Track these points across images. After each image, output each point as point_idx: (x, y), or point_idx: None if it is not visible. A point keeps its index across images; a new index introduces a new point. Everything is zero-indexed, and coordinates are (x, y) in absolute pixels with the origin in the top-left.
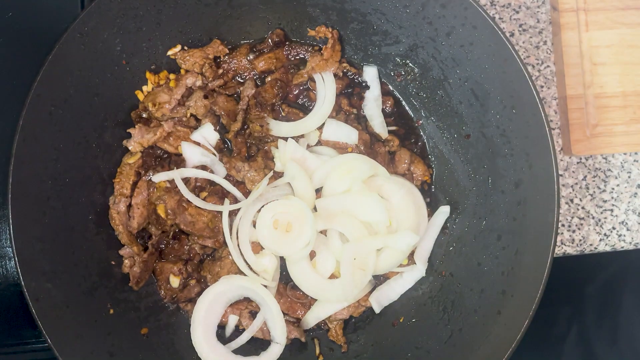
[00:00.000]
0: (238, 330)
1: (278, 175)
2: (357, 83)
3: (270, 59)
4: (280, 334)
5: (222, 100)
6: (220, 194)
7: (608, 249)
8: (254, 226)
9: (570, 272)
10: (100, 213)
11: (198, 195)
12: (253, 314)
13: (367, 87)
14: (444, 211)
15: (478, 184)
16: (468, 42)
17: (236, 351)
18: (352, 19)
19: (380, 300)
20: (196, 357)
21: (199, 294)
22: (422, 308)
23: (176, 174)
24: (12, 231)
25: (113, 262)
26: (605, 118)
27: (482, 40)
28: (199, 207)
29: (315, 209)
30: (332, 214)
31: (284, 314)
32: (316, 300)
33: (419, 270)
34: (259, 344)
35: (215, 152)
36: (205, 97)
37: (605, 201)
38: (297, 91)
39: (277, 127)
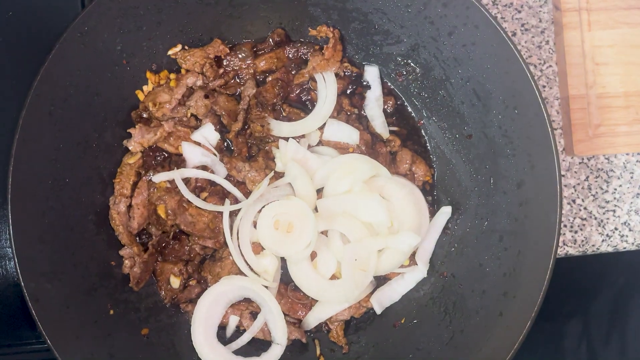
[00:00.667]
0: (239, 331)
1: (279, 175)
2: (359, 83)
3: (271, 58)
4: (281, 335)
5: (223, 100)
6: (221, 195)
7: (610, 249)
8: (255, 227)
9: (573, 273)
10: (100, 213)
11: (198, 196)
12: (254, 315)
13: (369, 87)
14: (445, 212)
15: (480, 185)
16: (470, 42)
17: (237, 352)
18: (354, 19)
19: (381, 301)
20: (197, 358)
21: (200, 294)
22: (424, 309)
23: (176, 174)
24: (12, 231)
25: (113, 263)
26: (607, 118)
27: (484, 40)
28: (200, 208)
29: (316, 209)
30: (333, 215)
31: (285, 314)
32: (317, 301)
33: (420, 271)
34: (260, 344)
35: (216, 152)
36: (206, 96)
37: (607, 202)
38: (298, 91)
39: (278, 127)
